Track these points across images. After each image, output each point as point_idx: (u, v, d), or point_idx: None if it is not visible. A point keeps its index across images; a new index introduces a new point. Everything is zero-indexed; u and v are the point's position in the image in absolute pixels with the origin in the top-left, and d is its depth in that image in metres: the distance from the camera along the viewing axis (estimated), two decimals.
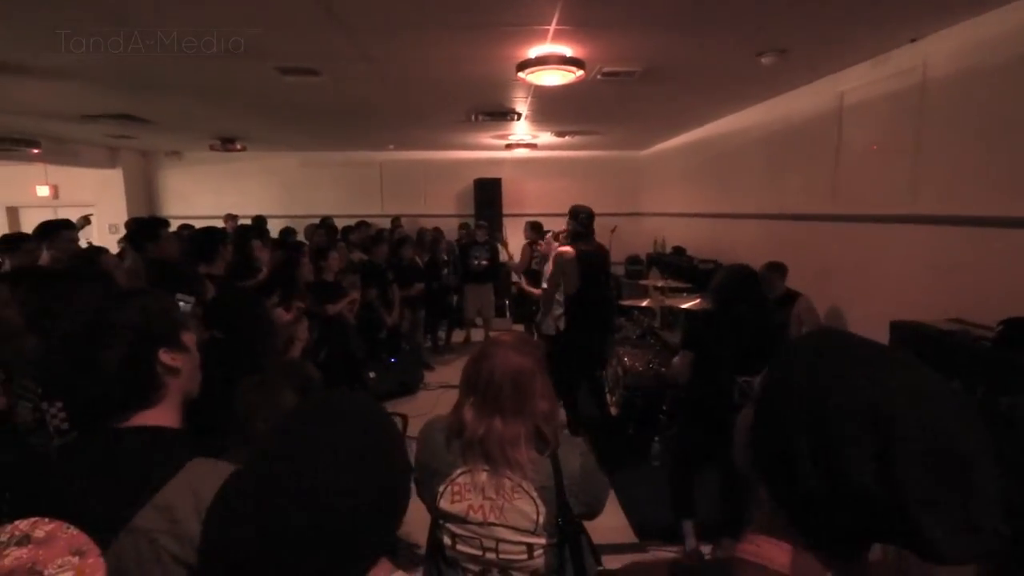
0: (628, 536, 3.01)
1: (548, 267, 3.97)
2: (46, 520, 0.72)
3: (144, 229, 3.39)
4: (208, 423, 1.15)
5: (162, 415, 0.98)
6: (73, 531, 0.72)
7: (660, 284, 5.06)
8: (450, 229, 8.20)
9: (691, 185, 7.22)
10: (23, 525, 0.71)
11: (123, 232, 6.07)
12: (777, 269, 3.91)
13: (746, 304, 2.50)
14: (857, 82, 3.99)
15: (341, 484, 0.65)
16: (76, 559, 0.70)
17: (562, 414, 3.67)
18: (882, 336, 3.31)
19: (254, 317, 2.46)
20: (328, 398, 0.74)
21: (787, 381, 0.57)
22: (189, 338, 1.04)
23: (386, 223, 8.34)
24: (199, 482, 0.87)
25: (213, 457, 0.94)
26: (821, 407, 0.53)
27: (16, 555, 0.68)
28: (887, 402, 0.51)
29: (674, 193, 7.83)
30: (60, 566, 0.69)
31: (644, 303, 4.99)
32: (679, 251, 6.84)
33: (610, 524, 3.03)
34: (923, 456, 0.49)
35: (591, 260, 3.73)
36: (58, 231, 3.33)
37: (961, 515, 0.48)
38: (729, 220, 6.09)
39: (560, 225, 5.15)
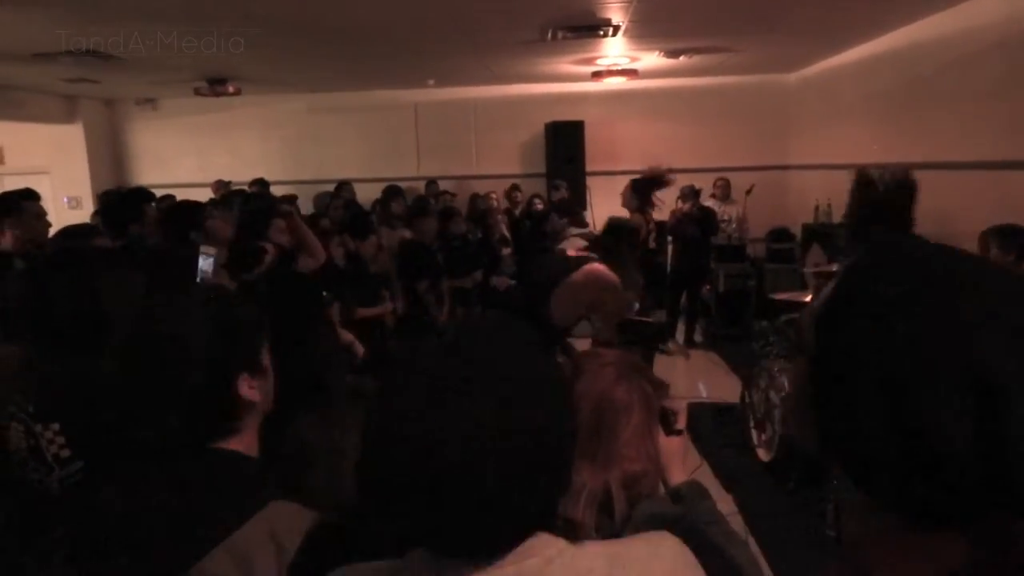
0: None
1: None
2: None
3: (123, 206, 3.54)
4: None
5: (239, 443, 1.11)
6: None
7: (825, 269, 4.84)
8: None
9: (872, 121, 6.93)
10: None
11: (90, 208, 6.39)
12: (1000, 236, 3.66)
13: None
14: None
15: (539, 418, 0.75)
16: None
17: None
18: None
19: (311, 314, 2.55)
20: (490, 326, 0.87)
21: (850, 324, 0.62)
22: (266, 354, 1.16)
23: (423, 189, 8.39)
24: (281, 529, 0.99)
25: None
26: (900, 361, 0.57)
27: None
28: (994, 364, 0.54)
29: (844, 134, 7.55)
30: None
31: (806, 298, 4.79)
32: None
33: None
34: None
35: None
36: (18, 204, 3.43)
37: None
38: (935, 172, 5.65)
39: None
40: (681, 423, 1.44)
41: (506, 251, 6.49)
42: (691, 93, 9.01)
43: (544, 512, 0.79)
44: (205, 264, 2.27)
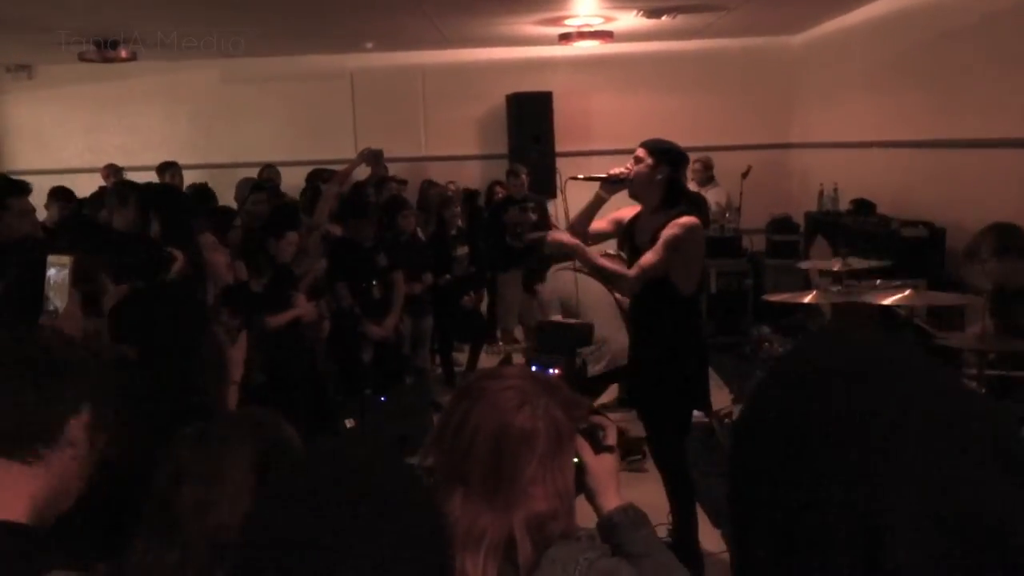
0: None
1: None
2: None
3: None
4: (114, 497, 1.30)
5: (18, 497, 1.10)
6: None
7: (834, 265, 4.90)
8: (467, 177, 8.25)
9: (888, 93, 7.01)
10: None
11: None
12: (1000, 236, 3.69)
13: None
14: None
15: None
16: None
17: None
18: None
19: (190, 326, 2.59)
20: (347, 460, 0.90)
21: (751, 448, 0.71)
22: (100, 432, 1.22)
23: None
24: None
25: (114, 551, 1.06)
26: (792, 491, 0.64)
27: None
28: (878, 499, 0.59)
29: (857, 108, 7.65)
30: None
31: (806, 299, 4.84)
32: (863, 207, 6.72)
33: None
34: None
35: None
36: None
37: None
38: (963, 152, 5.84)
39: None
40: (611, 439, 1.48)
41: (462, 249, 6.51)
42: (676, 59, 9.10)
43: None
44: (56, 277, 2.19)
